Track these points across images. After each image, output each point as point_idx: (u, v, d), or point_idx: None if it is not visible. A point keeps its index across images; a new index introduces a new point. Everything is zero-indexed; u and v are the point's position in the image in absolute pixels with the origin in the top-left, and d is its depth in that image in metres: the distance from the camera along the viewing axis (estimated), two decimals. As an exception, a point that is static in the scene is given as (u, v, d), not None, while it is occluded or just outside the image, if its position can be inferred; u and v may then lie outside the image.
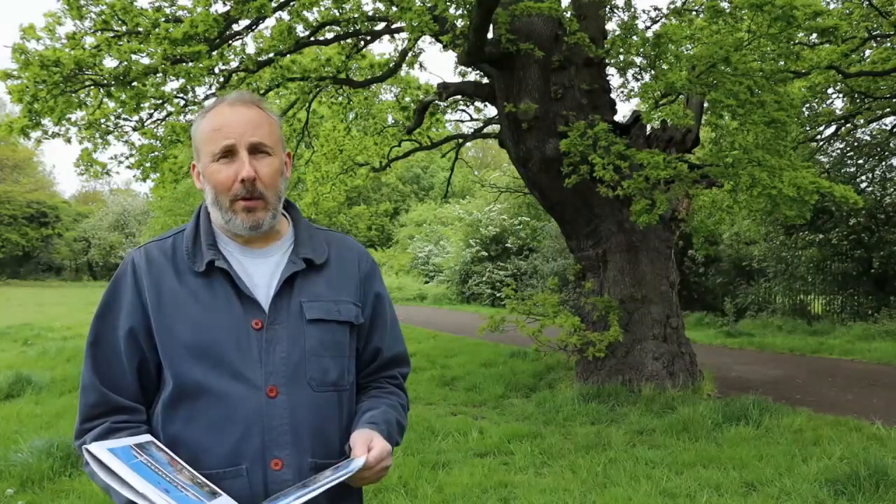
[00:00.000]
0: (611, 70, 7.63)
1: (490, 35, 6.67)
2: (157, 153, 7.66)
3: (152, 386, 1.35)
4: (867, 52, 11.35)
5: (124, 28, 6.45)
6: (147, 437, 1.26)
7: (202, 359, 1.29)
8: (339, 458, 1.33)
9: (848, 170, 13.79)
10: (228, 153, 1.33)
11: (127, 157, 7.76)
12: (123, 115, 7.10)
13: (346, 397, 1.41)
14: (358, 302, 1.45)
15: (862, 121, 13.28)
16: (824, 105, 13.00)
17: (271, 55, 7.25)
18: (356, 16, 7.11)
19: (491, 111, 12.07)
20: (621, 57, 6.78)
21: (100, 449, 1.14)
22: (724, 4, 6.29)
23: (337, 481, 1.19)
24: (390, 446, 1.34)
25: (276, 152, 1.38)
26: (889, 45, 10.83)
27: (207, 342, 1.30)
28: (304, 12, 6.92)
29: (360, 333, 1.47)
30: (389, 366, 1.54)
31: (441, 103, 9.87)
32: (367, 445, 1.30)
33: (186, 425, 1.29)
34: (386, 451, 1.31)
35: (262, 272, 1.38)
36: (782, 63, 6.71)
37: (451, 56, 7.94)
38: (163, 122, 7.72)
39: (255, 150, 1.35)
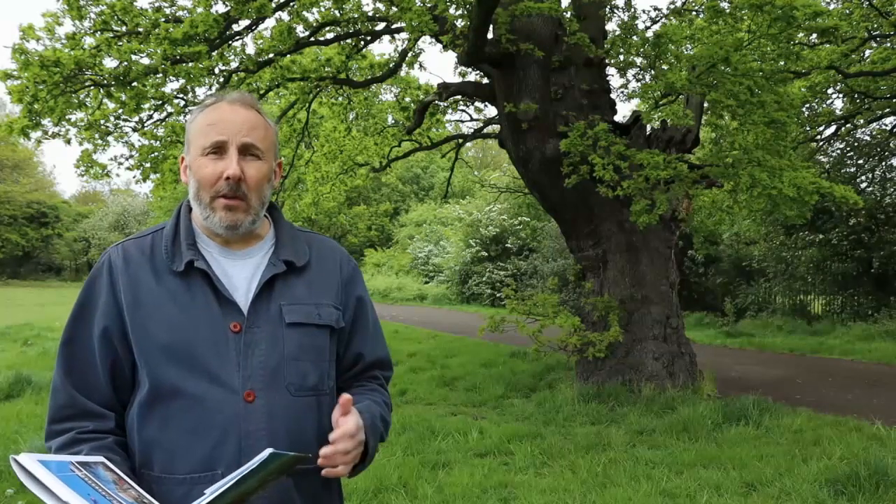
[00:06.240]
0: (611, 70, 7.64)
1: (490, 35, 6.67)
2: (156, 154, 7.66)
3: (126, 387, 1.32)
4: (867, 52, 11.35)
5: (124, 28, 6.45)
6: (98, 458, 1.20)
7: (178, 361, 1.26)
8: (314, 463, 1.28)
9: (848, 170, 13.79)
10: (218, 149, 1.32)
11: (127, 158, 7.77)
12: (123, 116, 7.10)
13: (326, 402, 1.37)
14: (339, 305, 1.42)
15: (862, 121, 13.28)
16: (824, 105, 13.00)
17: (271, 55, 7.26)
18: (356, 16, 7.12)
19: (491, 111, 12.07)
20: (621, 57, 6.79)
21: (28, 459, 1.09)
22: (724, 4, 6.29)
23: (247, 470, 1.12)
24: (360, 421, 1.30)
25: (267, 158, 1.36)
26: (889, 45, 10.83)
27: (184, 344, 1.27)
28: (304, 12, 6.93)
29: (340, 338, 1.44)
30: (371, 369, 1.51)
31: (441, 103, 9.87)
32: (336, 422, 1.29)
33: (162, 428, 1.27)
34: (353, 425, 1.27)
35: (241, 274, 1.35)
36: (782, 63, 6.71)
37: (451, 56, 7.95)
38: (163, 123, 7.72)
39: (246, 150, 1.33)
